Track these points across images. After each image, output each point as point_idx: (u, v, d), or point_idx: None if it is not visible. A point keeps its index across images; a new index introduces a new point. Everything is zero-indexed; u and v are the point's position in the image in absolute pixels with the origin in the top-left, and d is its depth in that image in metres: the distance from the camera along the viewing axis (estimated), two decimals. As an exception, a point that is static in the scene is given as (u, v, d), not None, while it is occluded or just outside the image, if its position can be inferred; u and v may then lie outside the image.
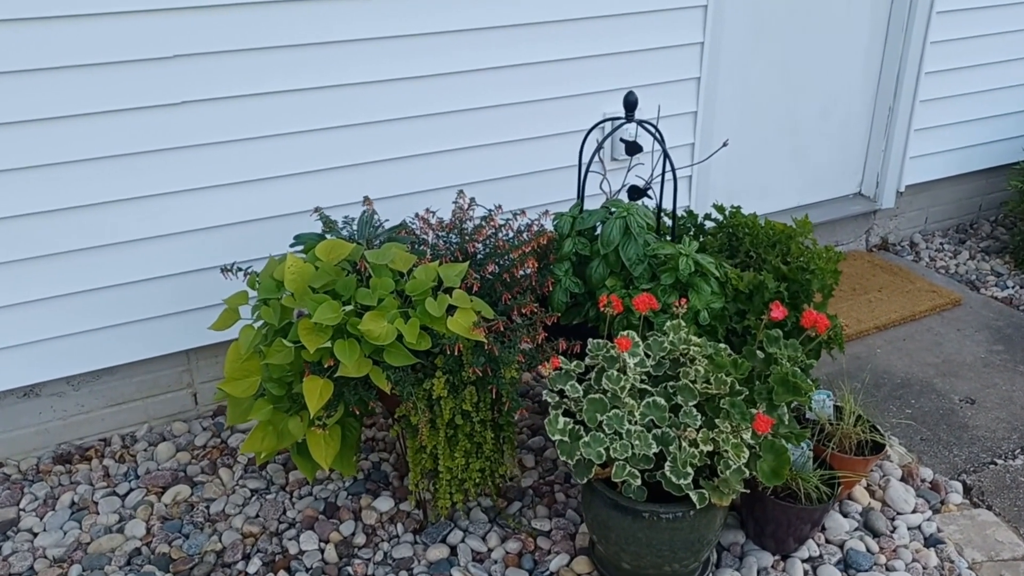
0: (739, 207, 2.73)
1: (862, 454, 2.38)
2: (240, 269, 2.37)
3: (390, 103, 2.74)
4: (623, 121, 2.35)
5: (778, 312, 2.08)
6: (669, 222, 2.51)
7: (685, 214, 2.77)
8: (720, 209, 2.76)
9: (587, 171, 2.36)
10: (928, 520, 2.48)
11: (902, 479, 2.63)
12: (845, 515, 2.46)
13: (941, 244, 4.27)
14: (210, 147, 2.56)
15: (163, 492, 2.58)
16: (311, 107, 2.63)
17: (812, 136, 3.87)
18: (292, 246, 2.43)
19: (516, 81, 2.91)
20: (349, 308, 2.08)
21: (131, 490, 2.60)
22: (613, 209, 2.32)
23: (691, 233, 2.75)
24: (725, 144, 2.57)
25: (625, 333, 2.04)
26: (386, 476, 2.61)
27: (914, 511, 2.50)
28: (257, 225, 2.71)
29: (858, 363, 3.25)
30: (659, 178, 2.46)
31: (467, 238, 2.31)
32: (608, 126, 2.75)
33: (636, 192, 2.49)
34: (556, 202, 3.12)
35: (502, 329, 2.15)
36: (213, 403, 2.97)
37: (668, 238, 2.47)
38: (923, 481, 2.65)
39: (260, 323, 2.16)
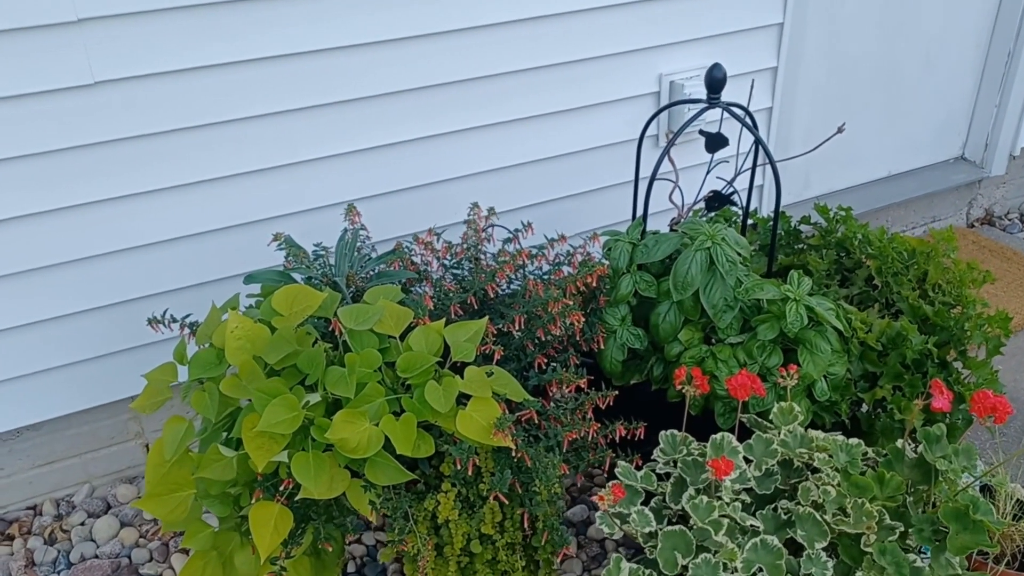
0: (849, 208, 2.03)
1: (1028, 564, 1.74)
2: (175, 320, 1.72)
3: (378, 74, 2.04)
4: (705, 106, 1.65)
5: (942, 400, 1.42)
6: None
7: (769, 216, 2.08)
8: (823, 211, 2.06)
9: (653, 178, 1.67)
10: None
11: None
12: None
13: (1059, 217, 3.53)
14: (138, 141, 1.89)
15: (100, 590, 2.00)
16: (276, 82, 1.94)
17: (910, 89, 3.11)
18: (246, 282, 1.78)
19: (541, 39, 2.19)
20: (316, 399, 1.44)
21: (60, 584, 2.03)
22: (690, 235, 1.64)
23: (782, 242, 2.06)
24: (840, 130, 1.85)
25: (720, 438, 1.39)
26: (384, 571, 2.01)
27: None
28: (221, 238, 2.05)
29: (979, 388, 2.58)
30: (742, 182, 1.77)
31: (485, 277, 1.65)
32: (671, 114, 2.04)
33: (719, 200, 1.80)
34: (582, 192, 2.44)
35: (536, 419, 1.50)
36: (171, 454, 2.37)
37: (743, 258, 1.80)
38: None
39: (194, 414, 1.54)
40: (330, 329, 1.56)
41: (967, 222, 3.51)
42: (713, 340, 1.70)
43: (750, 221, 2.03)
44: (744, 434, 1.53)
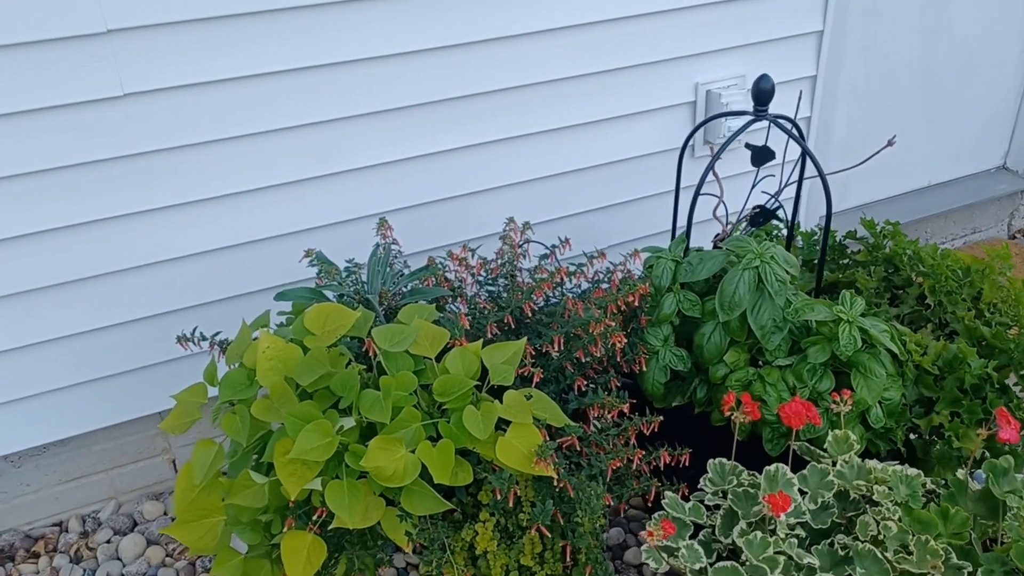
0: (896, 223, 1.96)
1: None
2: (204, 338, 1.68)
3: (411, 85, 1.99)
4: (752, 118, 1.58)
5: (1009, 431, 1.34)
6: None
7: (816, 229, 2.01)
8: (869, 225, 1.99)
9: (697, 193, 1.61)
10: None
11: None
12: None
13: (1105, 228, 3.43)
14: (167, 153, 1.85)
15: (125, 611, 1.97)
16: (307, 94, 1.90)
17: (951, 97, 3.03)
18: (278, 299, 1.74)
19: (577, 49, 2.13)
20: (350, 423, 1.39)
21: (86, 605, 1.99)
22: (737, 253, 1.57)
23: (827, 257, 1.99)
24: (891, 143, 1.78)
25: (775, 470, 1.32)
26: (415, 594, 1.96)
27: None
28: (251, 251, 2.01)
29: None
30: (787, 193, 1.70)
31: (521, 295, 1.59)
32: (714, 127, 1.97)
33: (764, 215, 1.73)
34: (616, 204, 2.38)
35: (577, 446, 1.44)
36: (198, 469, 2.33)
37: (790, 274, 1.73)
38: None
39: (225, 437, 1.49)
40: (363, 350, 1.51)
41: (1008, 233, 3.42)
42: (760, 362, 1.63)
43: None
44: (795, 461, 1.47)
